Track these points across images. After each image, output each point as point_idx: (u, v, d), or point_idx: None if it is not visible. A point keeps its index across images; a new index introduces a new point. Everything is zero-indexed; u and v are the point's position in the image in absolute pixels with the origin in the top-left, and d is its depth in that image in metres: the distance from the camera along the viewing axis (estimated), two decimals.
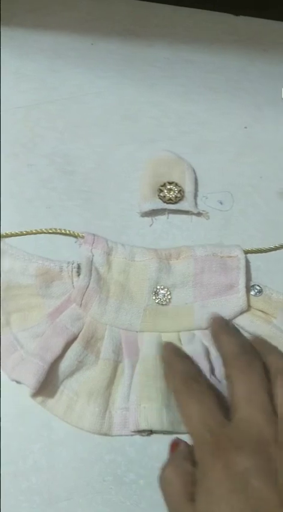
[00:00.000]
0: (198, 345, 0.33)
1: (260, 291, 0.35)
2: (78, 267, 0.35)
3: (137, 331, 0.34)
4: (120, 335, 0.34)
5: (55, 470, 0.31)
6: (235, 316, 0.35)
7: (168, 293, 0.35)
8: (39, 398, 0.32)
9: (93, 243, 0.35)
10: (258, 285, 0.36)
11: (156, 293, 0.35)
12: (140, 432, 0.31)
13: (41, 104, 0.42)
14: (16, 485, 0.30)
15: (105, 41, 0.46)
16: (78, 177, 0.40)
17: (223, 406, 0.28)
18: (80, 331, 0.33)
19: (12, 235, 0.37)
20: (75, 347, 0.33)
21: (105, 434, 0.31)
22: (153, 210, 0.38)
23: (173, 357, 0.32)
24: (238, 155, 0.42)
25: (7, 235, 0.37)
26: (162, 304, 0.35)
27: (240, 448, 0.25)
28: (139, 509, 0.30)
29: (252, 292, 0.35)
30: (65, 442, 0.32)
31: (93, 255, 0.35)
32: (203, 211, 0.39)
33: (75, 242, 0.37)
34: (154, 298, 0.35)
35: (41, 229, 0.37)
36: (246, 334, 0.34)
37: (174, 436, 0.30)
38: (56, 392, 0.32)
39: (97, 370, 0.33)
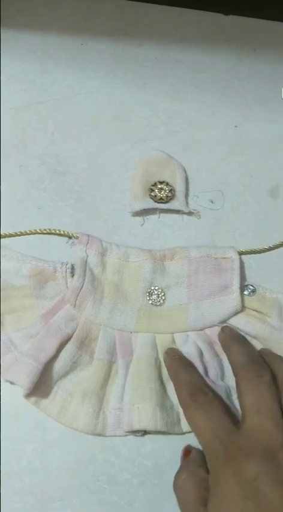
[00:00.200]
0: (192, 347, 0.33)
1: (253, 291, 0.36)
2: (72, 268, 0.35)
3: (131, 332, 0.34)
4: (114, 335, 0.34)
5: (49, 471, 0.31)
6: (230, 317, 0.35)
7: (162, 294, 0.35)
8: (33, 399, 0.32)
9: (87, 243, 0.35)
10: (252, 285, 0.36)
11: (150, 294, 0.35)
12: (134, 432, 0.32)
13: (31, 104, 0.42)
14: (10, 486, 0.30)
15: (95, 41, 0.46)
16: (69, 177, 0.40)
17: (231, 414, 0.29)
18: (74, 332, 0.33)
19: (7, 235, 0.37)
20: (69, 347, 0.33)
21: (99, 435, 0.32)
22: (145, 209, 0.38)
23: (178, 368, 0.32)
24: (229, 154, 0.42)
25: (6, 236, 0.37)
26: (156, 305, 0.35)
27: (250, 455, 0.26)
28: (133, 509, 0.31)
29: (246, 292, 0.36)
30: (58, 443, 0.32)
31: (87, 256, 0.35)
32: (194, 210, 0.39)
33: (67, 243, 0.37)
34: (148, 299, 0.35)
35: (35, 230, 0.37)
36: (243, 334, 0.34)
37: (169, 436, 0.31)
38: (50, 393, 0.32)
39: (91, 370, 0.33)
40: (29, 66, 0.44)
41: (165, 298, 0.35)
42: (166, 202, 0.38)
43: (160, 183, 0.39)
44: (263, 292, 0.36)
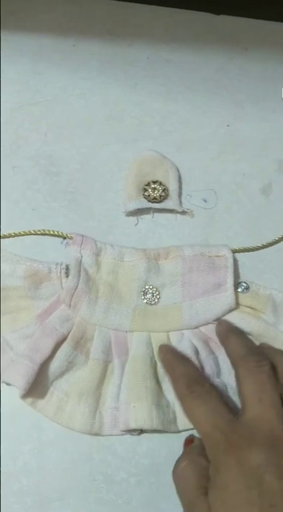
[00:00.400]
0: (187, 345, 0.33)
1: (247, 288, 0.36)
2: (67, 268, 0.35)
3: (126, 331, 0.34)
4: (110, 335, 0.34)
5: (46, 471, 0.31)
6: (224, 315, 0.35)
7: (157, 293, 0.35)
8: (29, 400, 0.32)
9: (81, 243, 0.36)
10: (245, 282, 0.36)
11: (145, 293, 0.35)
12: (130, 431, 0.32)
13: (24, 106, 0.42)
14: (7, 487, 0.30)
15: (87, 42, 0.46)
16: (63, 178, 0.40)
17: (228, 405, 0.29)
18: (70, 332, 0.33)
19: (1, 237, 0.37)
20: (65, 348, 0.33)
21: (96, 435, 0.32)
22: (138, 209, 0.38)
23: (173, 361, 0.32)
24: (221, 153, 0.42)
25: (5, 237, 0.37)
26: (151, 304, 0.35)
27: (253, 444, 0.25)
28: (130, 507, 0.31)
29: (239, 289, 0.36)
30: (54, 443, 0.32)
31: (82, 256, 0.35)
32: (188, 209, 0.39)
33: (61, 243, 0.37)
34: (143, 298, 0.35)
35: (29, 231, 0.37)
36: None
37: (165, 435, 0.31)
38: (46, 393, 0.32)
39: (87, 370, 0.33)
40: (22, 68, 0.44)
41: (159, 297, 0.35)
42: (160, 201, 0.38)
43: (154, 182, 0.39)
44: (257, 289, 0.36)
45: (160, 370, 0.33)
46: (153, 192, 0.38)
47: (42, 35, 0.46)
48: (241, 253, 0.38)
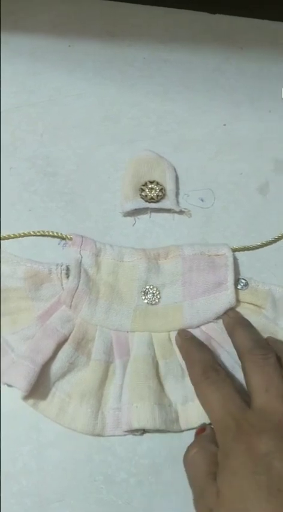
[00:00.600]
0: None
1: (246, 284, 0.36)
2: (67, 269, 0.35)
3: (127, 332, 0.34)
4: (111, 336, 0.34)
5: (45, 472, 0.31)
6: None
7: (158, 293, 0.35)
8: (31, 401, 0.32)
9: (81, 244, 0.35)
10: (244, 279, 0.36)
11: (146, 293, 0.35)
12: (133, 432, 0.32)
13: (21, 107, 0.42)
14: (7, 488, 0.30)
15: (83, 42, 0.46)
16: (59, 179, 0.40)
17: (242, 393, 0.29)
18: (71, 333, 0.33)
19: (4, 238, 0.37)
20: (66, 349, 0.33)
21: (98, 435, 0.32)
22: (136, 209, 0.38)
23: (190, 346, 0.33)
24: (218, 153, 0.42)
25: (4, 238, 0.37)
26: (151, 303, 0.35)
27: (262, 432, 0.26)
28: (130, 508, 0.31)
29: (239, 286, 0.36)
30: (54, 444, 0.32)
31: (81, 257, 0.35)
32: (185, 209, 0.39)
33: (59, 244, 0.37)
34: (143, 298, 0.35)
35: (29, 232, 0.37)
36: None
37: (165, 435, 0.31)
38: (48, 395, 0.32)
39: (88, 371, 0.33)
40: (18, 69, 0.44)
41: (160, 297, 0.35)
42: (157, 201, 0.38)
43: (151, 182, 0.39)
44: (255, 285, 0.36)
45: (162, 369, 0.33)
46: (150, 192, 0.38)
47: (38, 36, 0.46)
48: (241, 253, 0.38)
